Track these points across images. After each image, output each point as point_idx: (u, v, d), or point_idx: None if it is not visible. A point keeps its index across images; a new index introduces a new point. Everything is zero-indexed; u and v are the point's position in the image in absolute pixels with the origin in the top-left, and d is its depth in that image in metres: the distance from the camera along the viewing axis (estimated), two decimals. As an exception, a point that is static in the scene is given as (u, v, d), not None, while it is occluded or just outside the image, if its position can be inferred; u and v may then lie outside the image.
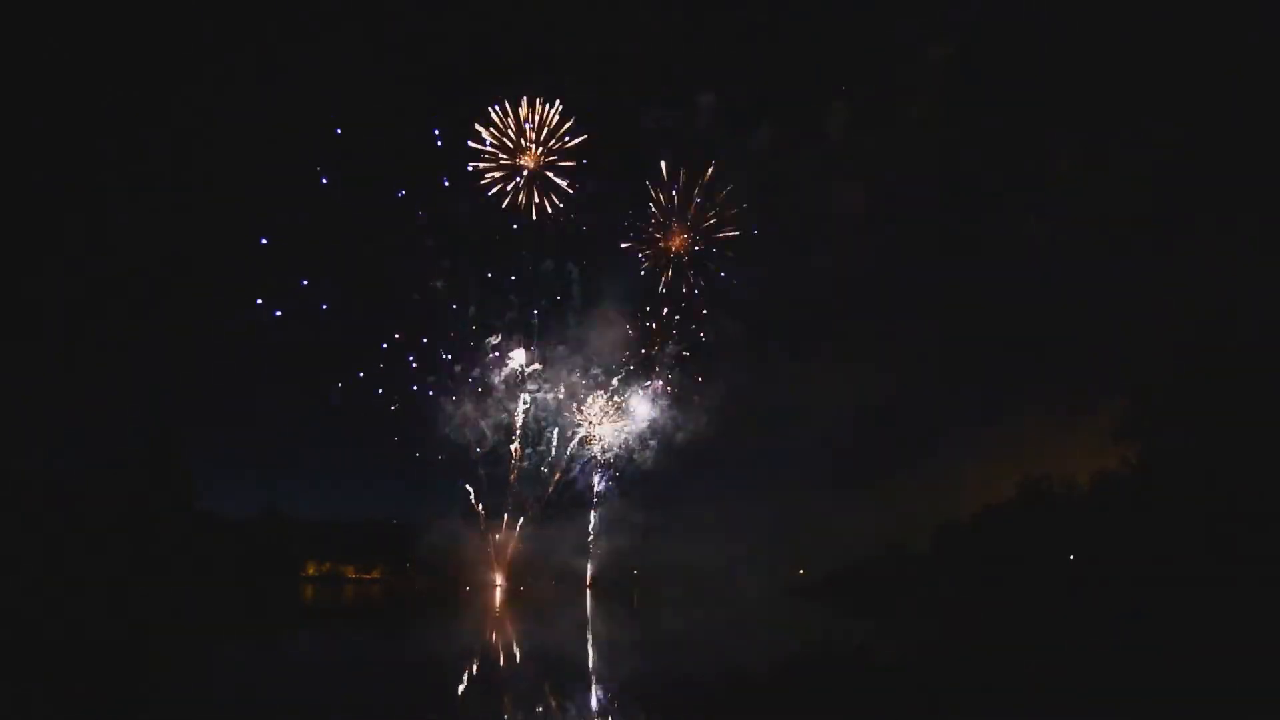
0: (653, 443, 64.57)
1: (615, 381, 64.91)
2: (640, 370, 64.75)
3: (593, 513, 66.11)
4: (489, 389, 65.55)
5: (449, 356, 65.65)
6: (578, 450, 65.33)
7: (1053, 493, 25.18)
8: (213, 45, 57.20)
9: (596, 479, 65.26)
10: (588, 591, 62.65)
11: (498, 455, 66.15)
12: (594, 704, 14.28)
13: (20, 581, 45.40)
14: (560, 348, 65.25)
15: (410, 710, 13.42)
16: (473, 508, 65.81)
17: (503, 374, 65.35)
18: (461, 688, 15.78)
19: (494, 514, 66.20)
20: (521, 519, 65.83)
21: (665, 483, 64.36)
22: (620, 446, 64.68)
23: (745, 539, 63.24)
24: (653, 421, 64.33)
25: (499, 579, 66.62)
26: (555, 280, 66.44)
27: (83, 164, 57.88)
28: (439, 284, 65.35)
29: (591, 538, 66.15)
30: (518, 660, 20.99)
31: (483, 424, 64.80)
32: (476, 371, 65.36)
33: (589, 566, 66.92)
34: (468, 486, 66.12)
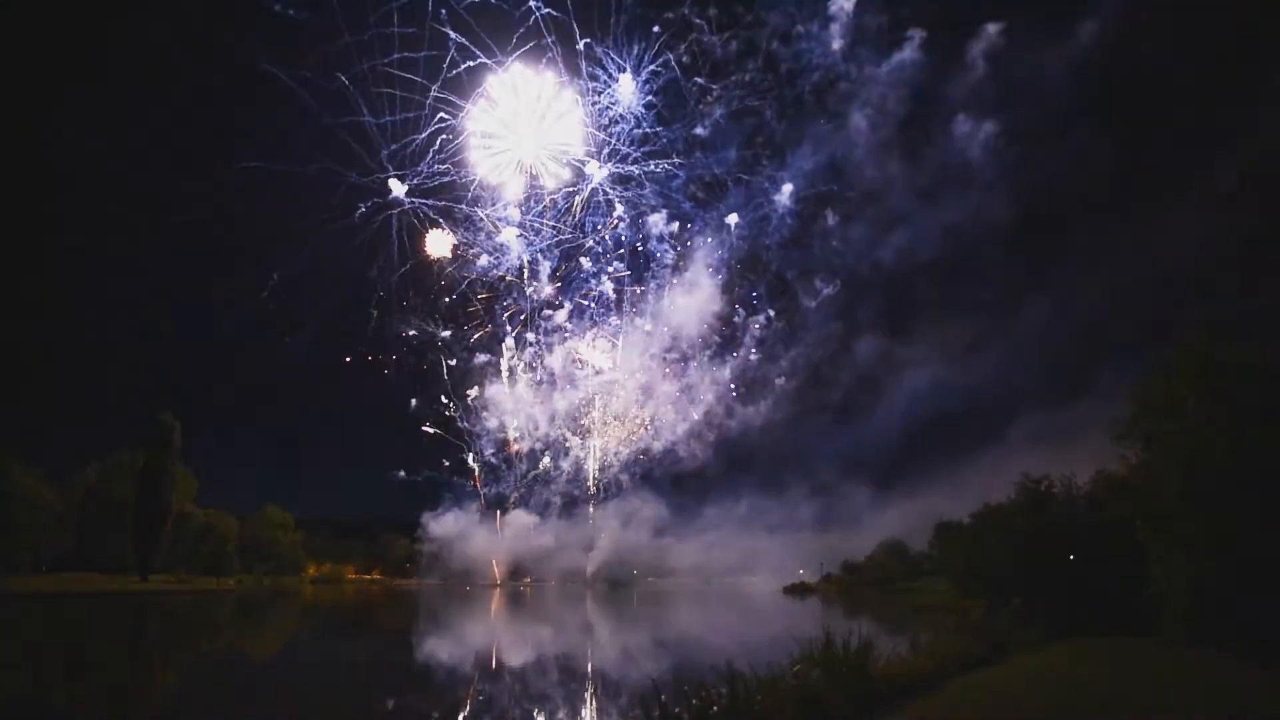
0: (712, 436, 62.53)
1: (690, 365, 61.99)
2: (722, 350, 61.75)
3: (604, 508, 64.41)
4: (547, 376, 62.36)
5: (510, 330, 62.30)
6: (622, 443, 62.75)
7: (1053, 492, 25.03)
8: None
9: (630, 473, 63.10)
10: (589, 591, 62.09)
11: (532, 450, 63.19)
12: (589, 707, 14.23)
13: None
14: (638, 319, 62.26)
15: (416, 712, 13.39)
16: (478, 506, 64.61)
17: (561, 357, 62.36)
18: (461, 690, 15.73)
19: (499, 512, 65.15)
20: (528, 516, 64.57)
21: (696, 480, 62.64)
22: (678, 438, 61.99)
23: (757, 538, 62.39)
24: (710, 411, 61.93)
25: (500, 579, 66.08)
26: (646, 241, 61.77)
27: (82, 163, 57.89)
28: (516, 235, 60.60)
29: (598, 536, 64.84)
30: (517, 663, 20.93)
31: (536, 411, 61.83)
32: (530, 353, 62.49)
33: (592, 565, 65.91)
34: (475, 485, 64.68)
